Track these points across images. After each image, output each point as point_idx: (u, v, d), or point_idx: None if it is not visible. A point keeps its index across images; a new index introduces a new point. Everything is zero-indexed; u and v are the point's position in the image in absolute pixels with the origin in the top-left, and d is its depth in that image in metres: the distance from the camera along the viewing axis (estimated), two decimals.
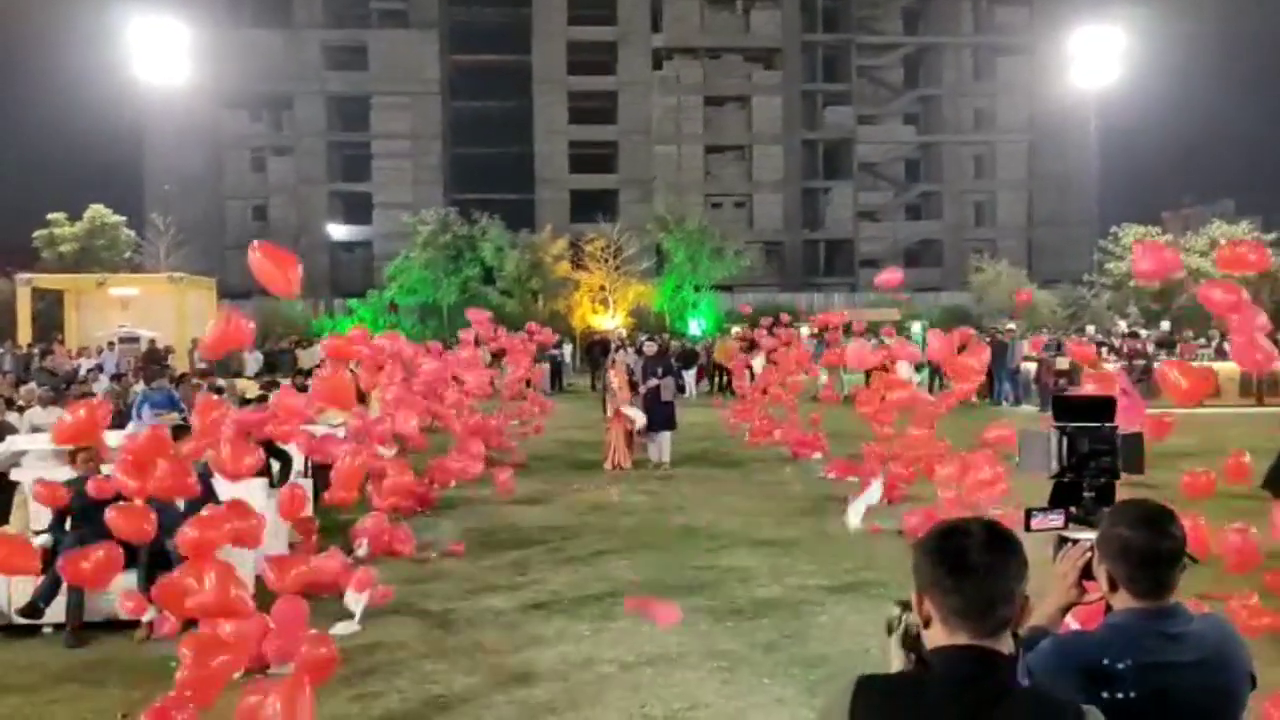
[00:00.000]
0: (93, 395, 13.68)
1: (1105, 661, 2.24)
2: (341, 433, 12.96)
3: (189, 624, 5.86)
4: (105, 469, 7.28)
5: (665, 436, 15.11)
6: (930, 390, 23.78)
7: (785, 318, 22.27)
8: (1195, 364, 8.47)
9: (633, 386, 15.06)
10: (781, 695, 6.09)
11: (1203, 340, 26.53)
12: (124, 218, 41.63)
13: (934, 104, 62.36)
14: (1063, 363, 23.17)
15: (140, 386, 14.31)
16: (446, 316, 39.36)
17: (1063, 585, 2.56)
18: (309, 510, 8.42)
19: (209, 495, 7.01)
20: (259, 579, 6.20)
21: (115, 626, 7.29)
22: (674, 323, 41.66)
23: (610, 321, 40.85)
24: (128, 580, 7.30)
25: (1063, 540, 2.71)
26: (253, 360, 26.30)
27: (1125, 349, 24.60)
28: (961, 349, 11.48)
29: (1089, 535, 2.57)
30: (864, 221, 61.60)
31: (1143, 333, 28.31)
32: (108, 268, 35.25)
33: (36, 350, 24.81)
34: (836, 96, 62.55)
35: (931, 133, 62.54)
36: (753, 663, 6.61)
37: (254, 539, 5.65)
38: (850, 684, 1.98)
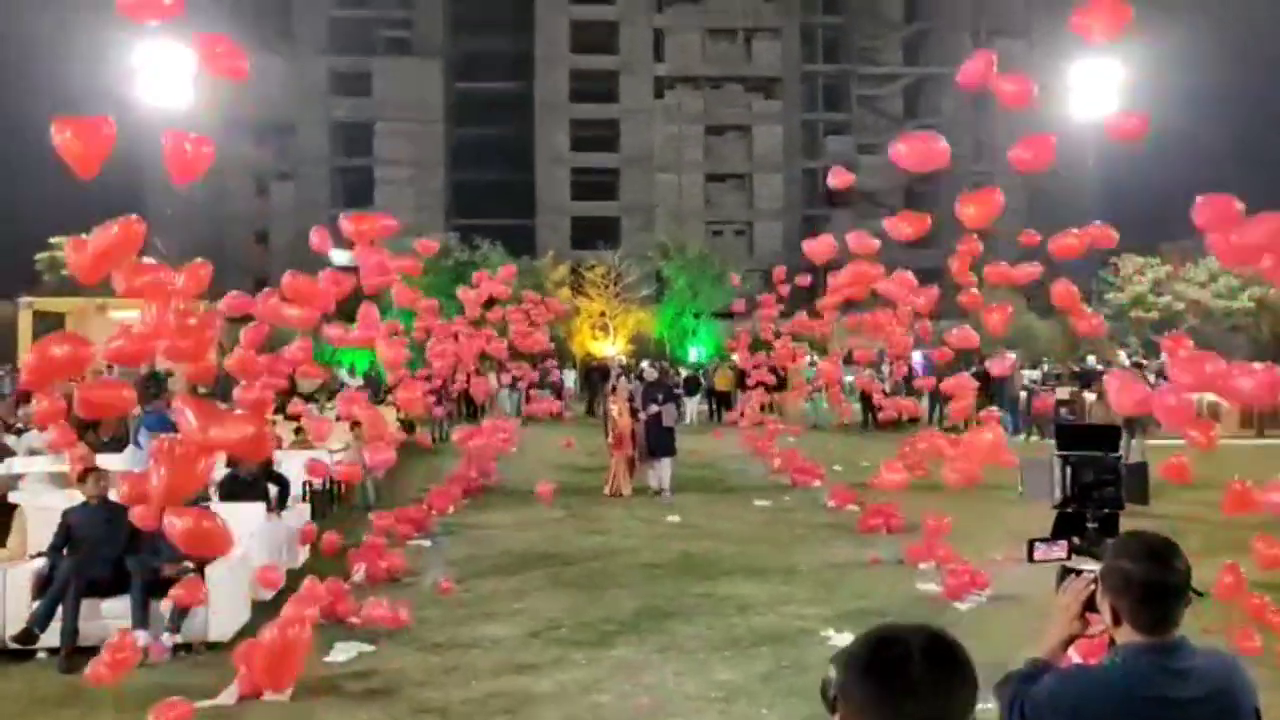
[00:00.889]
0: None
1: (1106, 698, 2.22)
2: (339, 458, 13.01)
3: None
4: (112, 494, 7.28)
5: (666, 463, 15.04)
6: (931, 415, 23.86)
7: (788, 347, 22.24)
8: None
9: (633, 413, 15.04)
10: None
11: None
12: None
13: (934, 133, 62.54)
14: (1063, 392, 23.23)
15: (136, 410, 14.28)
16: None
17: (1065, 618, 2.52)
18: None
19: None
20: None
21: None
22: (674, 350, 41.63)
23: (611, 348, 40.85)
24: (121, 605, 7.28)
25: (1066, 571, 2.68)
26: None
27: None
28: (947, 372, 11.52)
29: (1093, 567, 2.54)
30: None
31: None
32: (109, 291, 35.23)
33: None
34: (837, 126, 62.93)
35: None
36: (750, 692, 6.56)
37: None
38: None
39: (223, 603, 7.50)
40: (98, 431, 12.32)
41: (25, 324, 28.92)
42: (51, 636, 7.16)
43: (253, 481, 9.94)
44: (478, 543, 11.56)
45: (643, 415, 14.97)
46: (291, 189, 58.48)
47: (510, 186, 59.68)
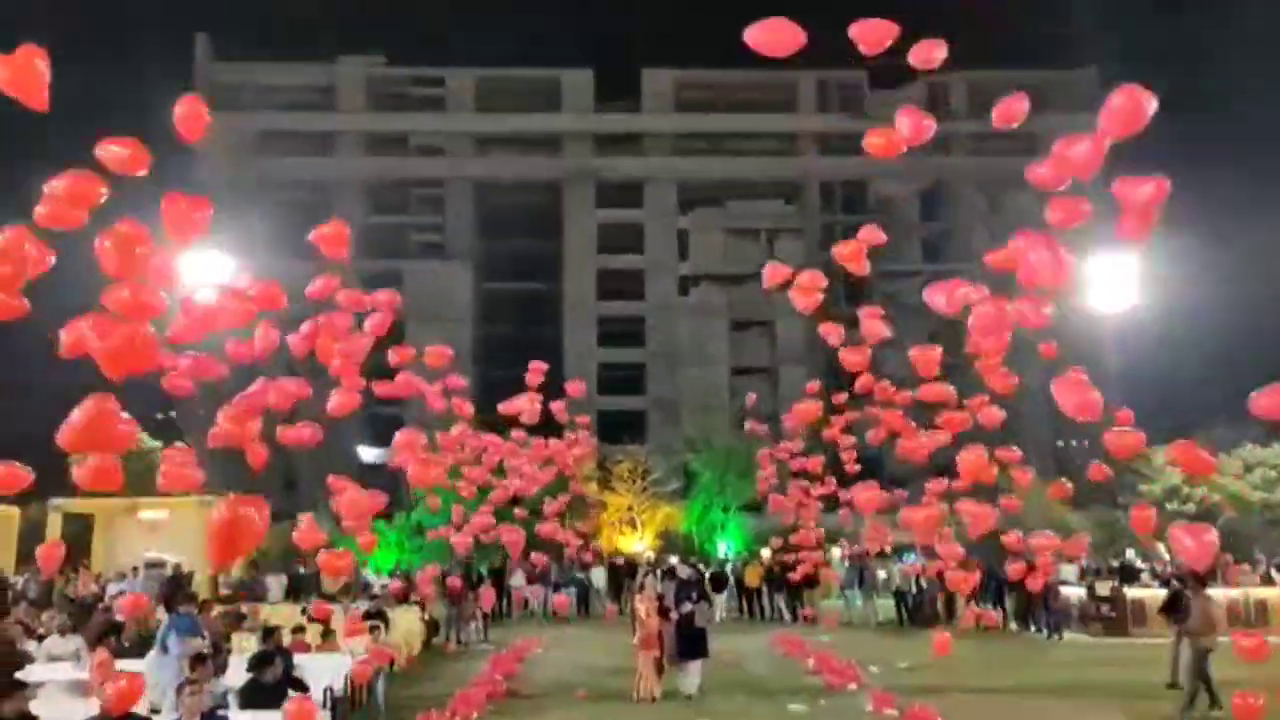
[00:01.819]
0: (116, 620, 13.53)
1: None
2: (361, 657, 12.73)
3: None
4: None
5: (697, 665, 14.50)
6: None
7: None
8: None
9: (663, 612, 14.59)
10: None
11: (1247, 565, 25.82)
12: (159, 443, 42.10)
13: (953, 328, 63.44)
14: (1102, 588, 22.71)
15: (163, 614, 14.09)
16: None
17: None
18: None
19: None
20: None
21: None
22: (702, 545, 41.04)
23: (639, 544, 40.35)
24: None
25: None
26: (276, 584, 25.81)
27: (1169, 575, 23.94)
28: None
29: None
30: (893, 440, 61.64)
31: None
32: (138, 490, 35.37)
33: (63, 577, 24.47)
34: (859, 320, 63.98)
35: (953, 353, 63.40)
36: None
37: None
38: None
39: None
40: (119, 637, 12.17)
41: (54, 526, 28.76)
42: None
43: (275, 686, 9.69)
44: None
45: (674, 615, 14.52)
46: None
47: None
